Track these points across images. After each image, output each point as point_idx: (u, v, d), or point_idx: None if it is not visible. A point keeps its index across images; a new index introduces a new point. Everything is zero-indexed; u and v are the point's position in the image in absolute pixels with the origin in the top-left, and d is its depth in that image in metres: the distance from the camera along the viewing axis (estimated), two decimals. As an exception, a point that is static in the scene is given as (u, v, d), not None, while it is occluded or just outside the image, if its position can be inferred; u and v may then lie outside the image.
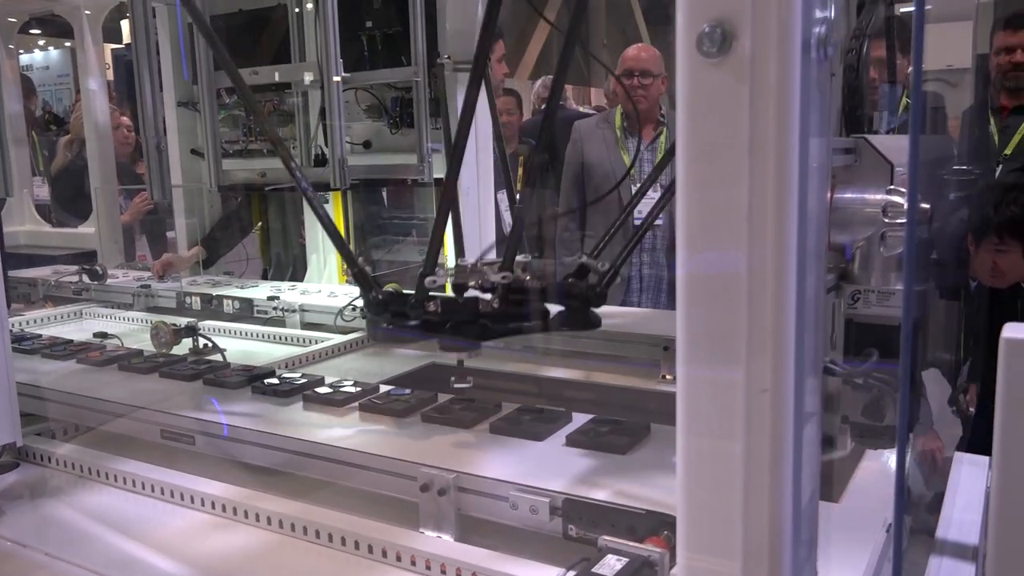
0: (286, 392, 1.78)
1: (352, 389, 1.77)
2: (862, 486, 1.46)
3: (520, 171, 4.90)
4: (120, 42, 9.25)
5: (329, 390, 1.77)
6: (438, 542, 1.34)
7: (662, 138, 3.88)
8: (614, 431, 1.49)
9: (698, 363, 0.79)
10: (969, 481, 1.64)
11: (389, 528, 1.36)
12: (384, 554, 1.32)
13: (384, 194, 4.01)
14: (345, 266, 3.43)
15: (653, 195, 3.34)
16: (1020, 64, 3.19)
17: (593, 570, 1.04)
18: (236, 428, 1.64)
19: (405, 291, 1.52)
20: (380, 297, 1.51)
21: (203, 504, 1.53)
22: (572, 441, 1.48)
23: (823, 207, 0.83)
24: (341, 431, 1.62)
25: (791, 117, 0.72)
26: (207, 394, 1.86)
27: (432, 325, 1.45)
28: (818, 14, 0.73)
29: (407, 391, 1.76)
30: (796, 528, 0.77)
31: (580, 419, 1.59)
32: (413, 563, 1.29)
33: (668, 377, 2.15)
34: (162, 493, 1.58)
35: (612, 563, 1.05)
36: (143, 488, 1.61)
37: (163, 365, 1.99)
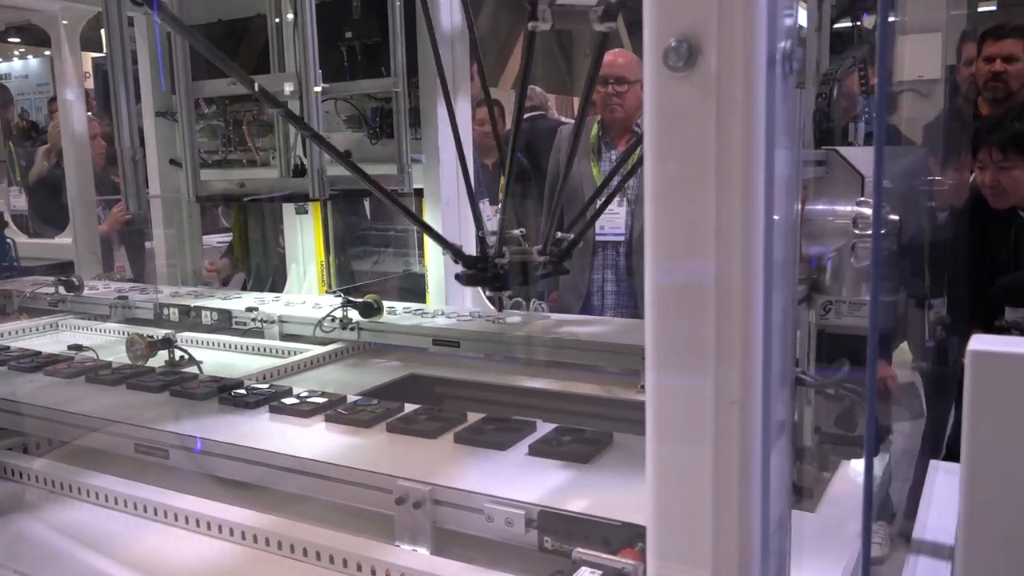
0: (253, 403, 1.77)
1: (318, 400, 1.77)
2: (837, 496, 1.47)
3: (502, 179, 4.88)
4: (101, 50, 9.21)
5: (295, 401, 1.76)
6: (414, 555, 1.33)
7: (638, 150, 3.74)
8: (576, 440, 1.50)
9: (667, 373, 0.79)
10: (944, 489, 1.65)
11: (365, 542, 1.35)
12: (359, 568, 1.31)
13: (367, 205, 4.01)
14: (326, 277, 3.42)
15: (618, 210, 3.31)
16: (999, 74, 3.24)
17: (567, 583, 1.03)
18: (210, 442, 1.62)
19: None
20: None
21: (176, 519, 1.51)
22: (535, 451, 1.49)
23: (792, 219, 0.83)
24: (305, 442, 1.61)
25: (757, 130, 0.73)
26: (177, 406, 1.85)
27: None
28: (783, 29, 0.74)
29: (374, 401, 1.76)
30: (765, 538, 0.77)
31: (544, 428, 1.60)
32: (388, 577, 1.28)
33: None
34: (135, 508, 1.57)
35: (586, 575, 1.05)
36: (116, 503, 1.59)
37: (130, 377, 1.97)
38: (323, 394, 1.83)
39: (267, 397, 1.80)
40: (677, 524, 0.79)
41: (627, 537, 1.17)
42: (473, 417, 1.68)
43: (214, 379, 1.98)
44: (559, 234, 2.10)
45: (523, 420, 1.61)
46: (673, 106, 0.75)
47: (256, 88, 1.89)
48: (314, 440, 1.63)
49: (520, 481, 1.37)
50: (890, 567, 1.40)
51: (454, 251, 2.08)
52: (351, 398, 1.83)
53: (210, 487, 1.61)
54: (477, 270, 2.01)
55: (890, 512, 1.64)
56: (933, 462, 1.69)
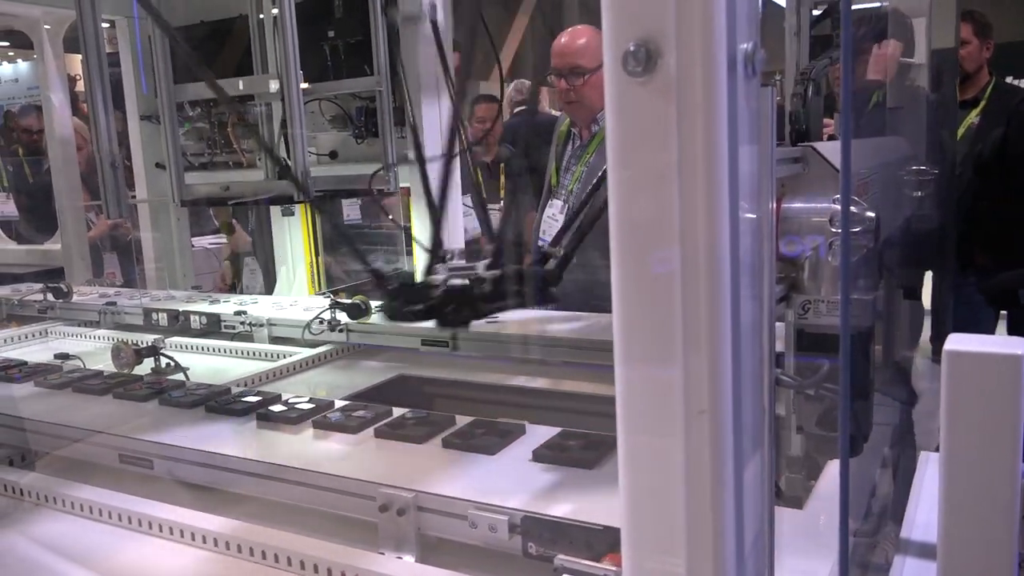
0: (240, 411, 1.76)
1: (307, 406, 1.76)
2: (825, 493, 1.46)
3: (502, 178, 4.85)
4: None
5: (283, 408, 1.75)
6: (399, 564, 1.32)
7: (591, 144, 3.07)
8: (581, 445, 1.48)
9: (634, 381, 0.79)
10: (933, 482, 1.64)
11: (349, 550, 1.34)
12: (343, 577, 1.30)
13: (358, 205, 3.99)
14: (315, 278, 3.40)
15: (559, 216, 3.07)
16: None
17: (547, 591, 1.02)
18: (191, 451, 1.61)
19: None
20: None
21: (161, 529, 1.50)
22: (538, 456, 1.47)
23: (763, 217, 0.82)
24: (294, 449, 1.60)
25: (719, 131, 0.71)
26: (164, 414, 1.83)
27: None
28: (744, 30, 0.72)
29: (363, 405, 1.75)
30: (740, 550, 0.76)
31: (533, 431, 1.59)
32: (373, 585, 1.27)
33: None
34: (119, 519, 1.55)
35: (566, 583, 1.04)
36: (100, 515, 1.58)
37: (116, 386, 1.96)
38: (311, 400, 1.82)
39: (255, 405, 1.79)
40: (651, 518, 0.78)
41: (610, 541, 1.16)
42: (462, 420, 1.67)
43: (201, 387, 1.97)
44: (546, 248, 1.52)
45: (512, 423, 1.60)
46: (633, 110, 0.74)
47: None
48: (303, 448, 1.62)
49: (509, 487, 1.36)
50: (874, 562, 1.39)
51: (375, 275, 1.49)
52: (338, 403, 1.82)
53: (194, 497, 1.60)
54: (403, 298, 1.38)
55: (880, 508, 1.63)
56: (924, 453, 1.68)
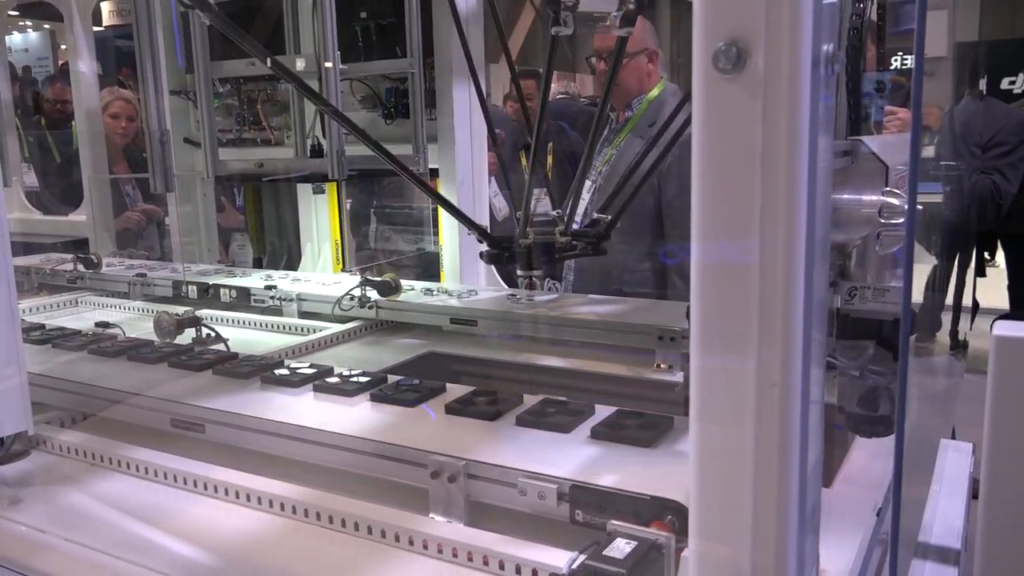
0: (297, 382, 1.81)
1: (362, 379, 1.80)
2: (852, 472, 1.52)
3: (549, 159, 4.78)
4: (100, 24, 9.16)
5: (338, 380, 1.80)
6: (449, 526, 1.38)
7: (624, 129, 3.22)
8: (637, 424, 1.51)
9: (711, 355, 0.84)
10: (953, 469, 1.71)
11: (400, 513, 1.41)
12: (396, 538, 1.37)
13: (385, 184, 4.04)
14: (340, 256, 3.46)
15: (585, 195, 3.20)
16: None
17: (604, 552, 1.09)
18: (245, 417, 1.67)
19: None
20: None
21: (216, 491, 1.57)
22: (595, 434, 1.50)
23: (828, 208, 0.88)
24: (353, 420, 1.65)
25: (801, 130, 0.77)
26: (221, 385, 1.89)
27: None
28: (827, 32, 0.78)
29: (415, 381, 1.80)
30: (802, 515, 0.82)
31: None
32: (425, 547, 1.34)
33: (662, 366, 2.21)
34: (174, 480, 1.62)
35: (621, 546, 1.11)
36: (155, 475, 1.65)
37: (170, 356, 2.02)
38: (364, 373, 1.85)
39: (311, 376, 1.83)
40: (718, 501, 0.84)
41: (656, 510, 1.22)
42: (530, 400, 1.68)
43: (250, 357, 2.01)
44: (595, 215, 2.17)
45: (583, 404, 1.62)
46: (721, 105, 0.80)
47: (267, 64, 1.91)
48: (363, 418, 1.65)
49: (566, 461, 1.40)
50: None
51: (479, 231, 2.10)
52: (391, 378, 1.85)
53: (242, 461, 1.65)
54: (501, 249, 2.03)
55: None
56: (944, 441, 1.75)
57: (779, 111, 0.77)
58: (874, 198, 1.14)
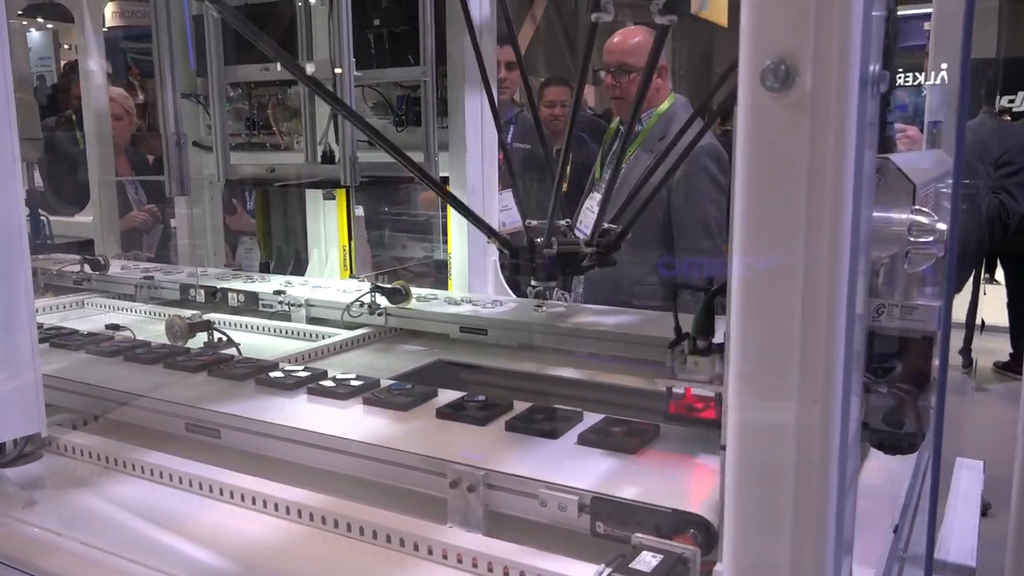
0: (291, 385, 1.82)
1: (355, 383, 1.81)
2: (868, 489, 1.52)
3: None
4: (103, 25, 9.17)
5: (332, 383, 1.81)
6: (469, 536, 1.38)
7: (635, 142, 3.20)
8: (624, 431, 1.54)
9: (749, 370, 0.85)
10: (967, 487, 1.71)
11: (419, 522, 1.40)
12: (416, 547, 1.36)
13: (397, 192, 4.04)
14: (348, 263, 3.46)
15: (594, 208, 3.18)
16: None
17: (631, 565, 1.09)
18: (260, 423, 1.67)
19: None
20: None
21: (232, 496, 1.56)
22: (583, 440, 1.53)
23: (870, 227, 0.88)
24: (351, 425, 1.64)
25: (848, 149, 0.78)
26: (217, 386, 1.89)
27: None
28: (875, 52, 0.79)
29: (407, 385, 1.81)
30: (839, 536, 0.82)
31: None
32: (444, 557, 1.34)
33: (657, 382, 2.21)
34: (189, 484, 1.62)
35: (648, 559, 1.11)
36: (169, 479, 1.64)
37: (166, 356, 2.03)
38: (357, 376, 1.86)
39: (304, 380, 1.84)
40: (757, 520, 0.84)
41: (678, 524, 1.22)
42: (520, 406, 1.71)
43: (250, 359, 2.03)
44: (606, 225, 2.15)
45: (570, 410, 1.65)
46: (768, 122, 0.80)
47: (281, 67, 1.91)
48: (352, 422, 1.66)
49: (575, 469, 1.41)
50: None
51: (500, 240, 2.10)
52: (384, 382, 1.86)
53: (256, 466, 1.65)
54: (524, 260, 2.04)
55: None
56: (958, 460, 1.75)
57: (826, 130, 0.77)
58: (903, 216, 1.15)
